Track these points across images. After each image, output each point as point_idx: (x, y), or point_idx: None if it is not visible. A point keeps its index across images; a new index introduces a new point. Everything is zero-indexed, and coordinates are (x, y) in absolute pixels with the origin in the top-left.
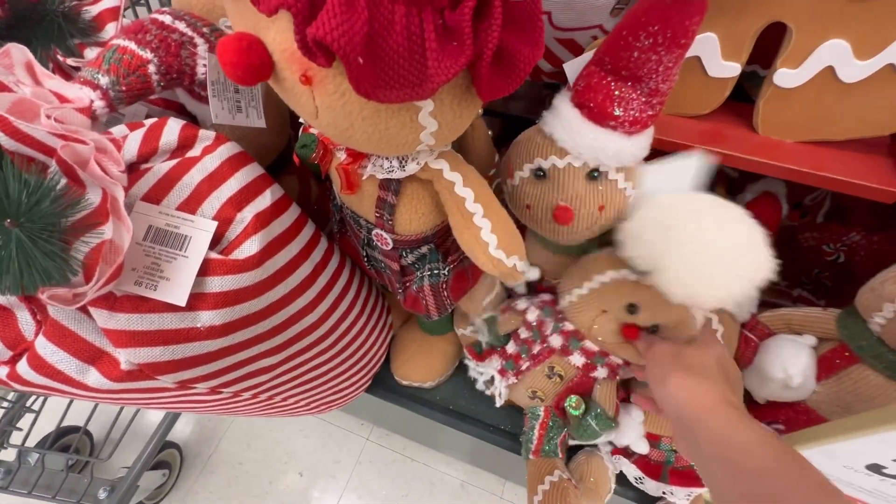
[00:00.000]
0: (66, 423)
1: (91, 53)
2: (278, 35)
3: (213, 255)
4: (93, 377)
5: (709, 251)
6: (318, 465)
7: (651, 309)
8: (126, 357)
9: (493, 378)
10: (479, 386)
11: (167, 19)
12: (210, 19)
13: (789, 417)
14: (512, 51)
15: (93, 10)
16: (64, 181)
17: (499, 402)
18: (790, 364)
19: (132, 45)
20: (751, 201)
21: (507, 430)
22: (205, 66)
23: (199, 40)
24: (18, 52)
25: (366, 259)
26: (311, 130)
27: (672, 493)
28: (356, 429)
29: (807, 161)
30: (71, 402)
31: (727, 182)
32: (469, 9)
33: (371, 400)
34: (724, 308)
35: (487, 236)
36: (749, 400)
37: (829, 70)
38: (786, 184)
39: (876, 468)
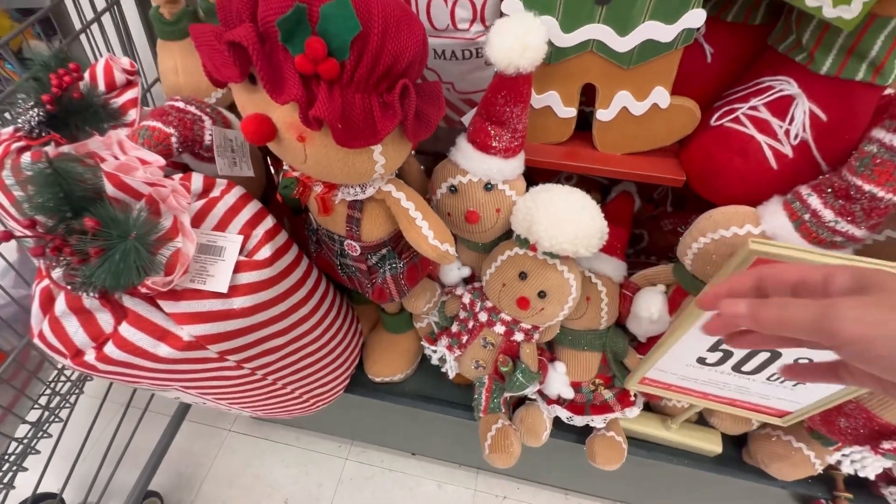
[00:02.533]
0: (41, 490)
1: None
2: (283, 114)
3: (242, 259)
4: (163, 349)
5: (560, 210)
6: (301, 491)
7: (535, 274)
8: (187, 332)
9: (444, 357)
10: (434, 362)
11: (181, 104)
12: (199, 97)
13: None
14: (425, 112)
15: (119, 101)
16: (146, 212)
17: (451, 374)
18: (651, 306)
19: (159, 125)
20: (613, 198)
21: (464, 404)
22: (210, 135)
23: (205, 118)
24: (115, 135)
25: (339, 267)
26: (292, 175)
27: (593, 420)
28: (334, 451)
29: (629, 164)
30: (46, 467)
31: (599, 188)
32: (397, 93)
33: (348, 412)
34: (579, 253)
35: (427, 231)
36: (634, 339)
37: (625, 109)
38: (634, 184)
39: (702, 360)
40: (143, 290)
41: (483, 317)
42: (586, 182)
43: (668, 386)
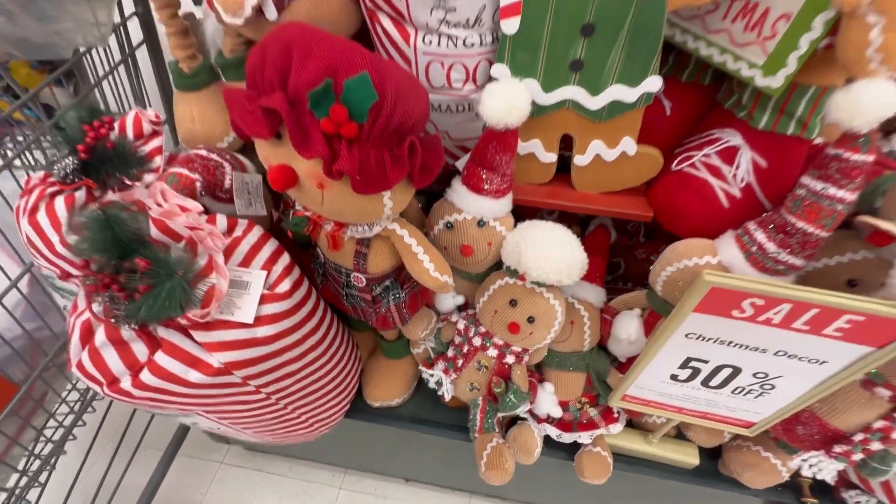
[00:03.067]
0: None
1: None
2: (305, 166)
3: (265, 292)
4: (194, 375)
5: (545, 243)
6: None
7: (524, 302)
8: (217, 359)
9: (441, 380)
10: (432, 385)
11: (204, 153)
12: (213, 142)
13: None
14: (428, 164)
15: (146, 149)
16: (186, 253)
17: (448, 397)
18: (629, 328)
19: (185, 171)
20: (591, 231)
21: (458, 426)
22: (230, 179)
23: (225, 164)
24: (158, 185)
25: (345, 297)
26: (303, 214)
27: (580, 437)
28: (328, 480)
29: (603, 202)
30: None
31: (579, 221)
32: (406, 148)
33: (345, 439)
34: (563, 282)
35: (428, 265)
36: (615, 359)
37: (598, 155)
38: (610, 218)
39: (674, 377)
40: (183, 322)
41: (477, 341)
42: (567, 217)
43: (647, 402)
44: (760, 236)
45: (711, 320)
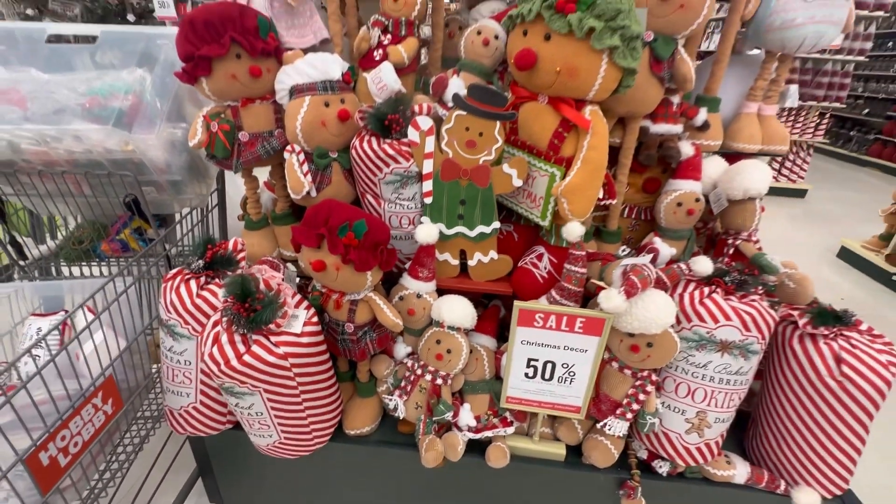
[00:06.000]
0: None
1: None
2: (332, 260)
3: (305, 319)
4: (270, 357)
5: (452, 303)
6: None
7: (444, 340)
8: (283, 350)
9: (397, 405)
10: (390, 409)
11: (270, 259)
12: (265, 256)
13: None
14: (390, 260)
15: (237, 257)
16: (276, 294)
17: (401, 415)
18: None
19: (266, 267)
20: (490, 307)
21: (409, 444)
22: (284, 273)
23: (280, 265)
24: (262, 268)
25: (339, 342)
26: (318, 293)
27: (487, 434)
28: None
29: (486, 285)
30: None
31: (482, 301)
32: (379, 253)
33: (326, 468)
34: (465, 325)
35: (389, 314)
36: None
37: (480, 260)
38: (501, 300)
39: (527, 375)
40: (272, 327)
41: (419, 371)
42: (473, 298)
43: (520, 400)
44: (555, 294)
45: (529, 330)
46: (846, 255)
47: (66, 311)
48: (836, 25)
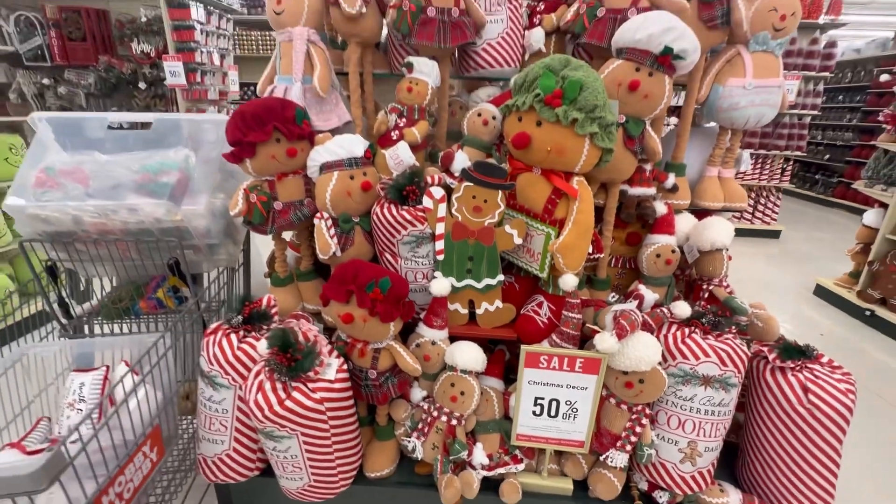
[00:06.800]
0: None
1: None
2: (359, 313)
3: (337, 367)
4: (307, 402)
5: (463, 349)
6: None
7: (458, 383)
8: (319, 395)
9: (415, 445)
10: (409, 450)
11: (299, 313)
12: (292, 311)
13: None
14: (409, 312)
15: (271, 311)
16: (314, 344)
17: (420, 456)
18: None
19: (299, 321)
20: (496, 351)
21: (427, 484)
22: (314, 327)
23: (311, 317)
24: (300, 323)
25: (363, 388)
26: (343, 343)
27: (500, 471)
28: None
29: (493, 331)
30: None
31: (489, 346)
32: (401, 305)
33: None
34: (476, 369)
35: (409, 360)
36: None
37: (487, 309)
38: (506, 345)
39: (534, 413)
40: (311, 375)
41: (434, 413)
42: (481, 343)
43: (529, 437)
44: (555, 338)
45: (535, 371)
46: (822, 292)
47: (108, 367)
48: (773, 108)
